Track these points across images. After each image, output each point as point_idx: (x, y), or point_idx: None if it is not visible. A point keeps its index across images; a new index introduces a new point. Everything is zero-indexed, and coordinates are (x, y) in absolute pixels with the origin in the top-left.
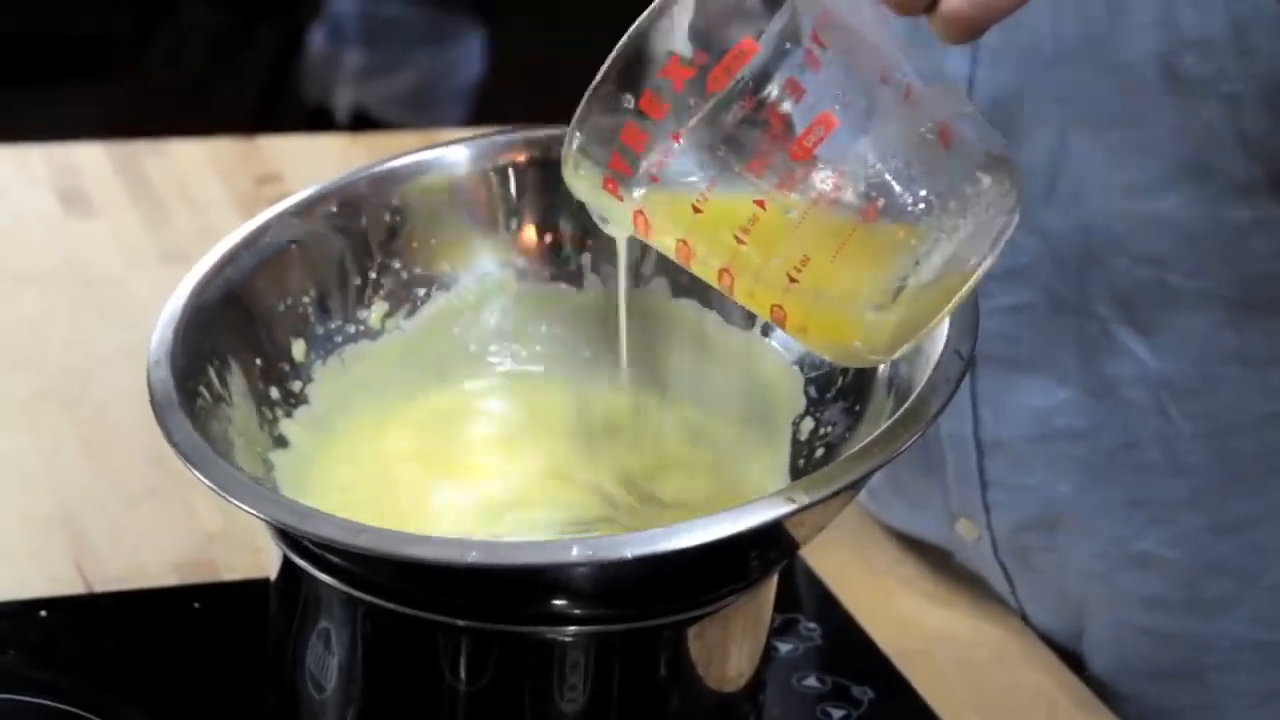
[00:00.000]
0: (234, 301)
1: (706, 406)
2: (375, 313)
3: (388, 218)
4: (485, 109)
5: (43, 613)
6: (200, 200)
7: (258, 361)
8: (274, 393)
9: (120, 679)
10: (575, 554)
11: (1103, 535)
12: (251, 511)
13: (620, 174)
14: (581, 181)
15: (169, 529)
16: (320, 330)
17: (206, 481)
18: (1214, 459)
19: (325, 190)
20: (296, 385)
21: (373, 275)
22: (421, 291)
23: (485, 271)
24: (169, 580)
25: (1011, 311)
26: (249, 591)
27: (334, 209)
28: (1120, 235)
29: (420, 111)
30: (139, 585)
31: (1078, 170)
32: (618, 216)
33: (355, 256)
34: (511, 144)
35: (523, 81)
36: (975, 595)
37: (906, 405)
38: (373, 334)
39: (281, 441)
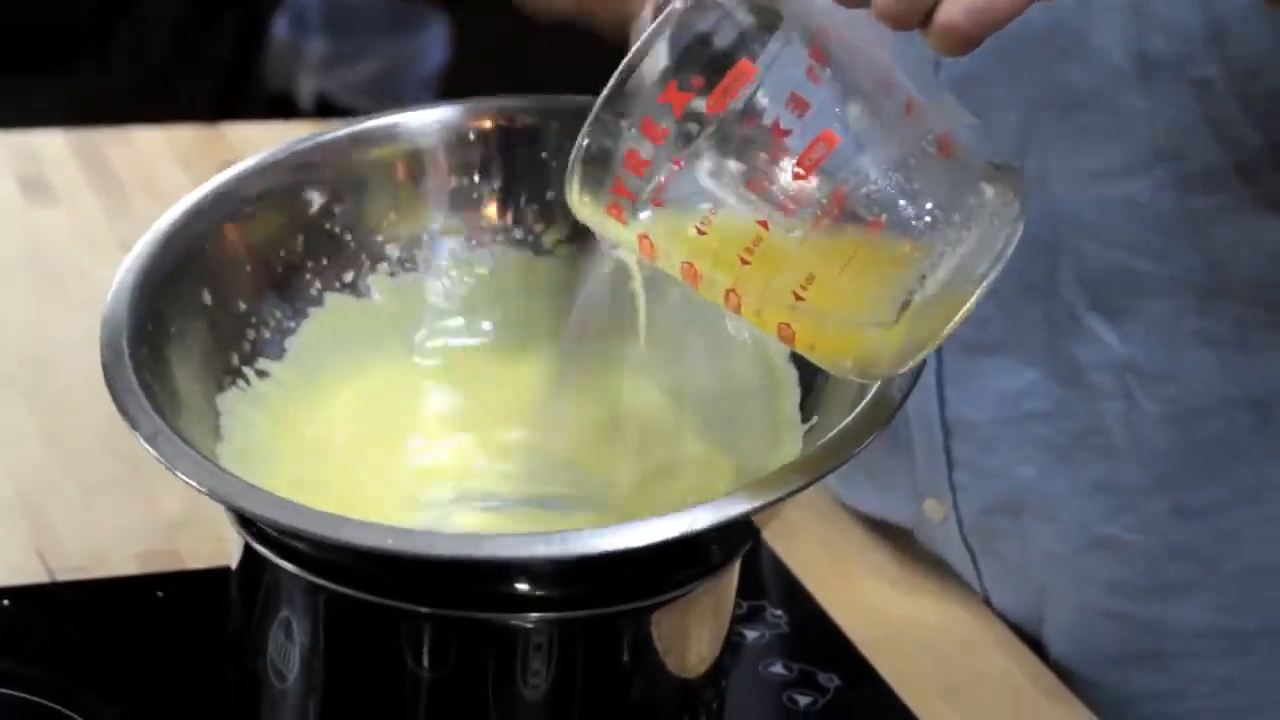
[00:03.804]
0: (185, 271)
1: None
2: (328, 283)
3: (343, 185)
4: (449, 96)
5: (4, 601)
6: (162, 188)
7: (209, 332)
8: (226, 364)
9: (83, 667)
10: (530, 550)
11: (1067, 519)
12: (208, 493)
13: (623, 199)
14: (585, 208)
15: (131, 517)
16: (273, 301)
17: (186, 479)
18: (1179, 444)
19: (276, 157)
20: (248, 357)
21: (325, 245)
22: (377, 262)
23: (442, 241)
24: (131, 569)
25: None
26: (212, 580)
27: (287, 177)
28: (1088, 220)
29: (384, 99)
30: (101, 574)
31: (1046, 155)
32: (623, 241)
33: (308, 226)
34: (472, 112)
35: (487, 69)
36: (942, 582)
37: (870, 395)
38: (325, 304)
39: (231, 413)
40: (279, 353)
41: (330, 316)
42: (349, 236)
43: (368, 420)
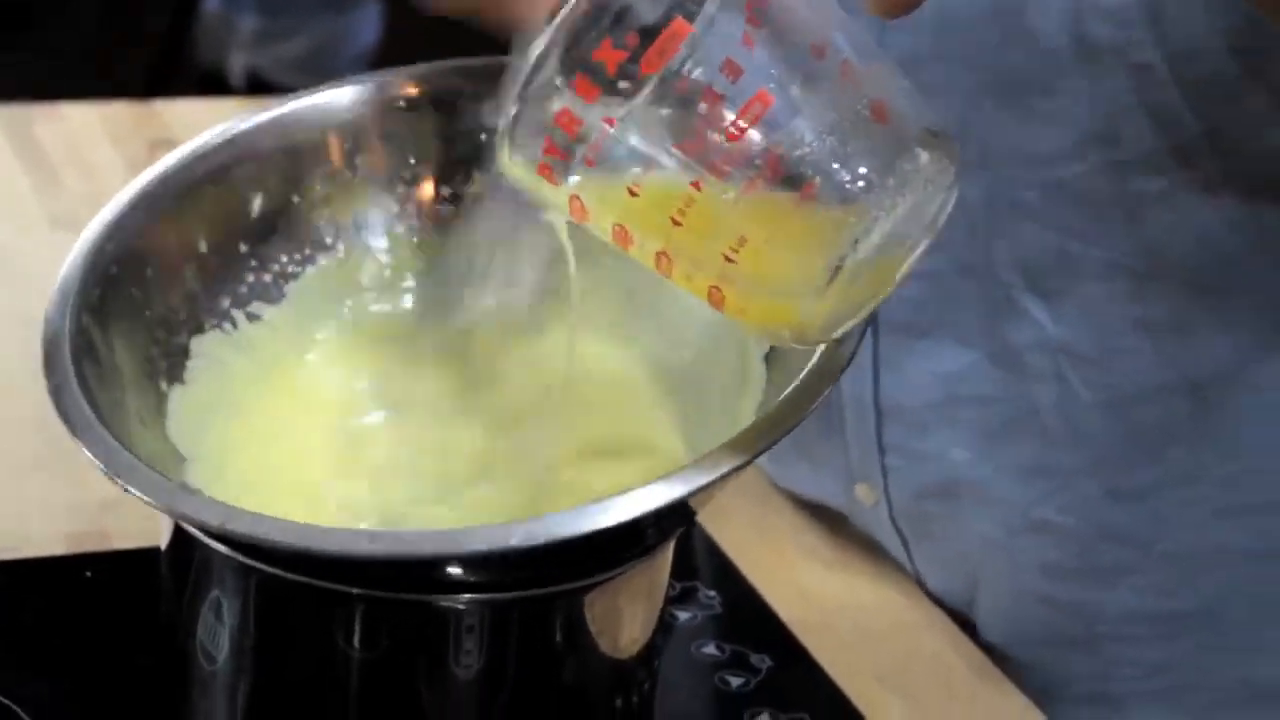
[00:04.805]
0: (125, 262)
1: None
2: (262, 266)
3: (276, 165)
4: None
5: None
6: (92, 165)
7: (149, 321)
8: (162, 350)
9: (10, 648)
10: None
11: (1000, 502)
12: (137, 493)
13: (555, 159)
14: (517, 168)
15: (59, 498)
16: (208, 287)
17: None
18: (1113, 427)
19: (214, 142)
20: (177, 359)
21: (258, 228)
22: (308, 247)
23: (377, 219)
24: (59, 549)
25: (915, 276)
26: (141, 560)
27: (224, 160)
28: (1026, 202)
29: (316, 76)
30: (29, 554)
31: (985, 136)
32: (554, 202)
33: (244, 207)
34: (399, 81)
35: (419, 47)
36: (874, 564)
37: (804, 373)
38: (263, 287)
39: (170, 400)
40: (278, 296)
41: (270, 301)
42: (283, 218)
43: (302, 409)
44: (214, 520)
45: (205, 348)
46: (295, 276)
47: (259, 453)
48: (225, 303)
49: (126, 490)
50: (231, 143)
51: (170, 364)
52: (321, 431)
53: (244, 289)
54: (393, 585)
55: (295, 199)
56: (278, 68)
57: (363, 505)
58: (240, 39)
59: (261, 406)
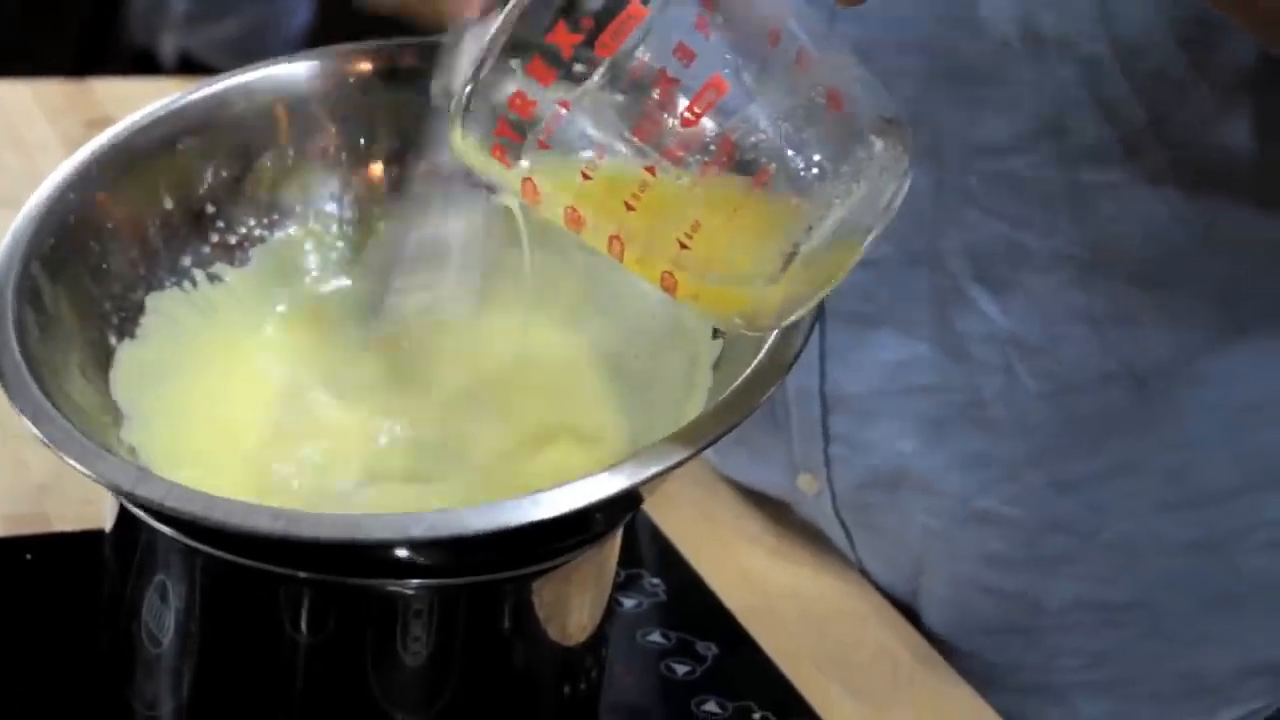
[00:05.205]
0: (86, 213)
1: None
2: (228, 228)
3: (223, 140)
4: None
5: None
6: (29, 143)
7: (104, 274)
8: (116, 304)
9: None
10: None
11: (945, 492)
12: (84, 472)
13: (508, 141)
14: (469, 150)
15: None
16: (170, 244)
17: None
18: (1057, 417)
19: (191, 99)
20: (131, 314)
21: (207, 200)
22: (275, 213)
23: (326, 193)
24: None
25: (864, 265)
26: (82, 543)
27: (200, 118)
28: (974, 192)
29: (247, 59)
30: None
31: (935, 125)
32: (507, 184)
33: (137, 221)
34: (349, 55)
35: (350, 29)
36: (818, 551)
37: (754, 364)
38: (227, 250)
39: (117, 354)
40: (242, 260)
41: (220, 276)
42: (235, 193)
43: (249, 384)
44: (125, 483)
45: (161, 304)
46: (261, 241)
47: (199, 419)
48: (187, 261)
49: (45, 444)
50: (209, 100)
51: (123, 319)
52: (265, 406)
53: (207, 249)
54: (340, 569)
55: (266, 162)
56: (209, 49)
57: (300, 484)
58: (171, 20)
59: (208, 373)
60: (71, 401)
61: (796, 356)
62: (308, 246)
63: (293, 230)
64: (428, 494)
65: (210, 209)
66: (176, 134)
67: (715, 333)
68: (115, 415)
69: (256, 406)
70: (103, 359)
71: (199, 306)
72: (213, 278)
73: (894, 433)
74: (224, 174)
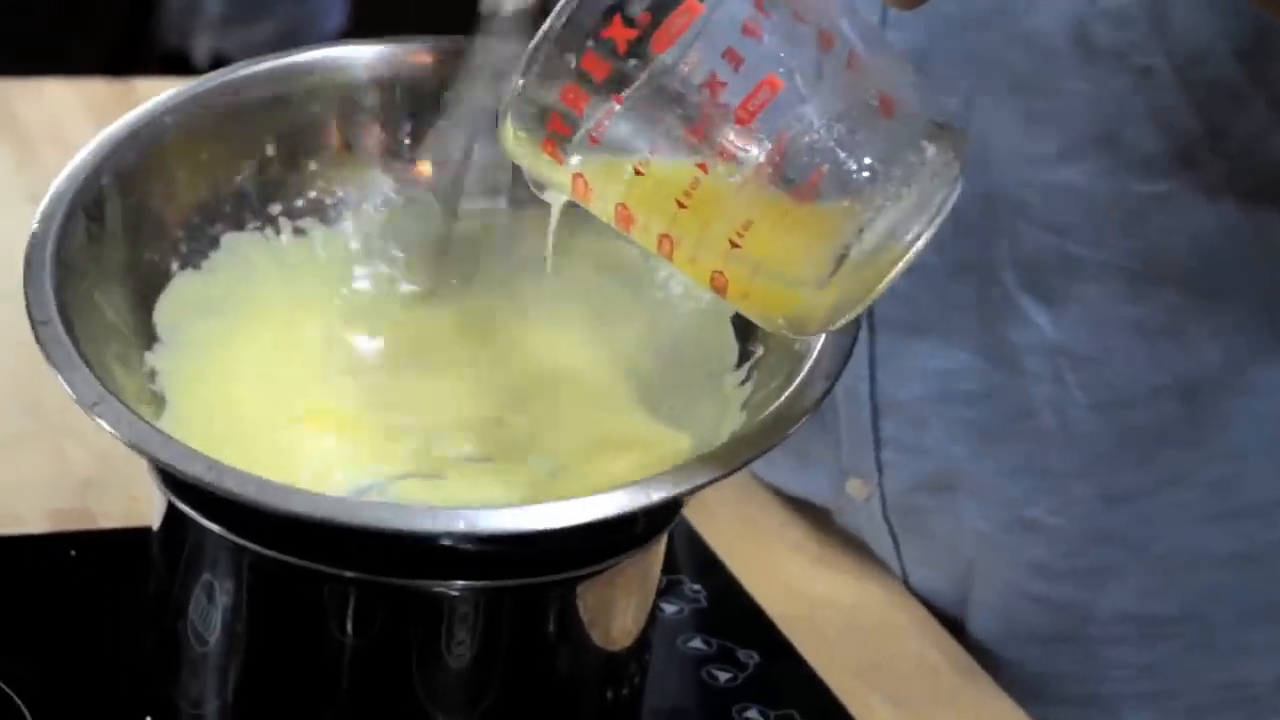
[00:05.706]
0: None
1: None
2: (328, 188)
3: (269, 117)
4: None
5: None
6: (71, 141)
7: (167, 218)
8: (175, 249)
9: None
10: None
11: (994, 499)
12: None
13: (560, 136)
14: (519, 144)
15: (42, 475)
16: (244, 201)
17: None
18: (1107, 429)
19: (209, 84)
20: (201, 247)
21: (249, 183)
22: (299, 203)
23: (368, 184)
24: (43, 527)
25: (910, 273)
26: (126, 539)
27: (218, 103)
28: (1025, 202)
29: None
30: (12, 532)
31: (985, 135)
32: (556, 180)
33: (234, 160)
34: (404, 51)
35: (383, 33)
36: (859, 560)
37: (800, 376)
38: (322, 207)
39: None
40: (335, 219)
41: (250, 262)
42: (272, 177)
43: (283, 376)
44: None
45: (238, 245)
46: (357, 206)
47: (238, 364)
48: (276, 209)
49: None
50: (326, 63)
51: (192, 249)
52: (309, 371)
53: (301, 202)
54: (387, 569)
55: (379, 135)
56: (242, 51)
57: (345, 469)
58: (205, 21)
59: (263, 321)
60: (98, 309)
61: (844, 364)
62: (410, 222)
63: (396, 204)
64: (485, 489)
65: (314, 166)
66: (291, 92)
67: (742, 346)
68: (148, 337)
69: (298, 367)
70: (157, 281)
71: (276, 256)
72: (299, 231)
73: (944, 438)
74: (335, 136)
